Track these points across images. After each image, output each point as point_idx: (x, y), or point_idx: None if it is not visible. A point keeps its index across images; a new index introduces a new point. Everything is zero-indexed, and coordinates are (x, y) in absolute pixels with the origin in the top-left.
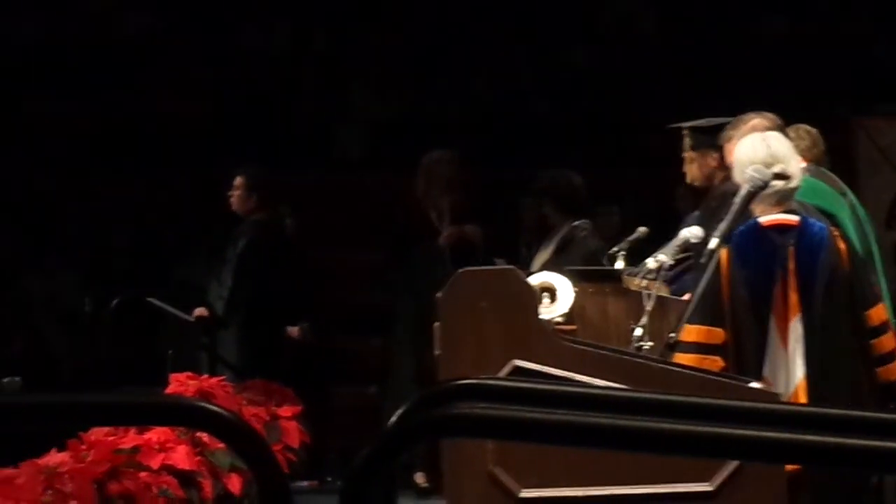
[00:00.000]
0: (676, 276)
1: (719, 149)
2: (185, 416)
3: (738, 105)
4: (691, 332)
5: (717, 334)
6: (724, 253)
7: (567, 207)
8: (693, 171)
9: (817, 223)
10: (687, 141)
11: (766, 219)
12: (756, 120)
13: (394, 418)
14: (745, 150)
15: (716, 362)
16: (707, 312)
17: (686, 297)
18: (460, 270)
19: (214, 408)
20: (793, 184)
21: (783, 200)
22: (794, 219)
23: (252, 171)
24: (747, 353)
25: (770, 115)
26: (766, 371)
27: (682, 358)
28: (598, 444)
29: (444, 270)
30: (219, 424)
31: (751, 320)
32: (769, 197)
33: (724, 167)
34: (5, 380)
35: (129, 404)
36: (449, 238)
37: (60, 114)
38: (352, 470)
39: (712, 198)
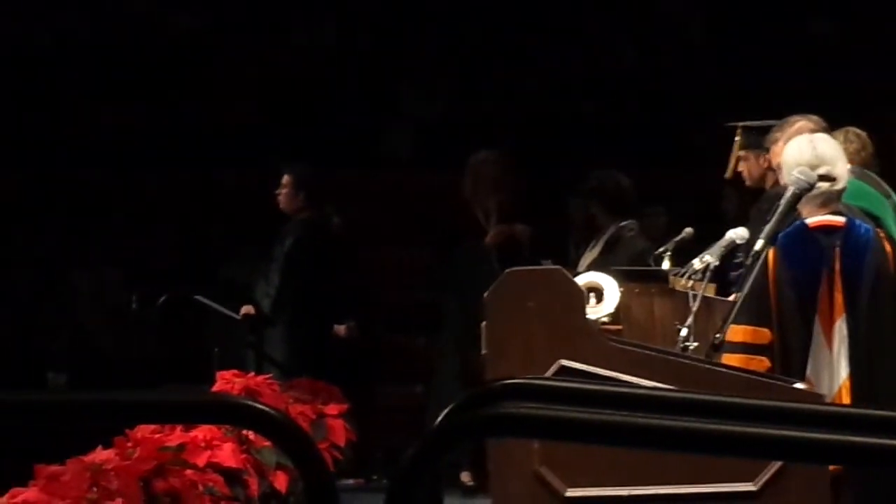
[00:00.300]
0: (738, 276)
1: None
2: (231, 414)
3: (784, 108)
4: (738, 333)
5: (764, 334)
6: (771, 254)
7: (614, 208)
8: (744, 170)
9: (863, 225)
10: (739, 140)
11: (812, 220)
12: (801, 122)
13: (440, 417)
14: (791, 152)
15: (762, 362)
16: (754, 312)
17: (731, 297)
18: (507, 270)
19: (261, 406)
20: (839, 186)
21: (829, 202)
22: (840, 220)
23: (299, 169)
24: (793, 353)
25: (815, 117)
26: (810, 371)
27: (729, 358)
28: (644, 445)
29: (491, 270)
30: (265, 423)
31: (797, 321)
32: (815, 198)
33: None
34: (51, 376)
35: (175, 402)
36: (496, 237)
37: (106, 112)
38: (398, 469)
39: (764, 200)
